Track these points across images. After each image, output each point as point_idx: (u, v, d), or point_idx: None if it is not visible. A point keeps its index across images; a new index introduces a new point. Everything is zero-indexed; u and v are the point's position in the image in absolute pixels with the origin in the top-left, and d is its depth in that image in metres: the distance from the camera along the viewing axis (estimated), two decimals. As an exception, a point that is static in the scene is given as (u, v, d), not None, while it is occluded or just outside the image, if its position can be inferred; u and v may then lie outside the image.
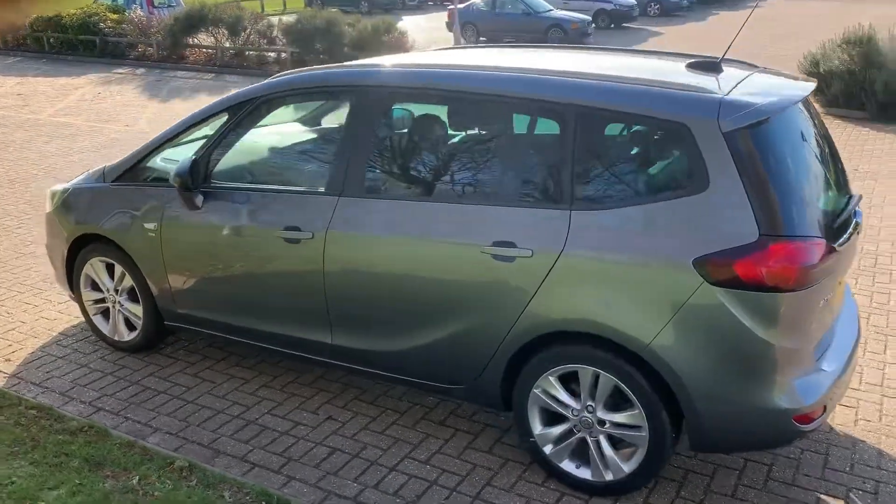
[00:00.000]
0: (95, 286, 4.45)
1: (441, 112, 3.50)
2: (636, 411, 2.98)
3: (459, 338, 3.25)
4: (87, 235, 4.31)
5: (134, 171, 4.15)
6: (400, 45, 16.00)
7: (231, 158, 3.88)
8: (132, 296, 4.30)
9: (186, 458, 3.33)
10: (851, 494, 3.20)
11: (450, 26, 22.45)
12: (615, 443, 3.13)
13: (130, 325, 4.39)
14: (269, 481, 3.29)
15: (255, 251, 3.70)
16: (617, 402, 3.05)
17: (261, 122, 3.89)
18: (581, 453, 3.21)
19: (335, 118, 4.05)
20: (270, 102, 3.78)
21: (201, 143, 4.04)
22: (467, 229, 3.15)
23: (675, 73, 3.23)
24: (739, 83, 3.06)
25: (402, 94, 3.47)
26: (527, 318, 3.06)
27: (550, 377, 3.13)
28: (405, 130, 3.62)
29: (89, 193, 4.32)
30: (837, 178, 3.24)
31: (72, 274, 4.49)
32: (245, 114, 3.76)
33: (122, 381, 4.15)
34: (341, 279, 3.46)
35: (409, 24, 18.85)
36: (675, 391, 2.88)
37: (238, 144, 3.87)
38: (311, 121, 4.30)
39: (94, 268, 4.36)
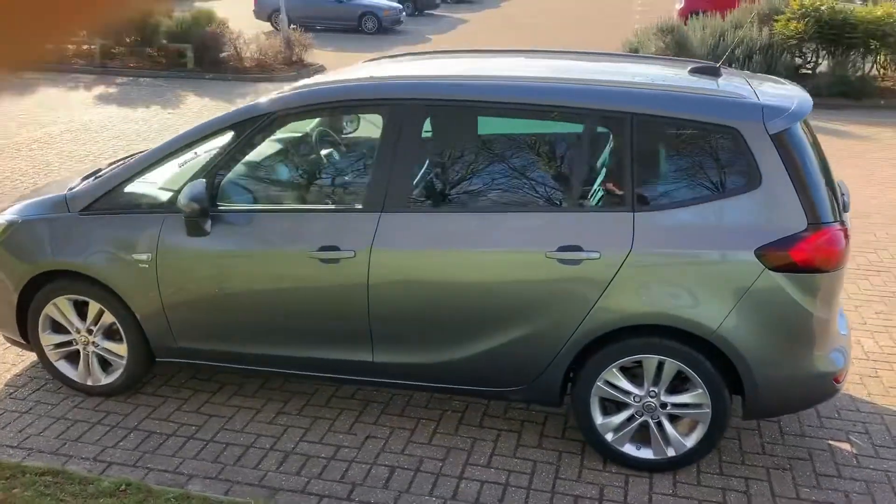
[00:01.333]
0: (57, 328, 3.96)
1: (491, 123, 3.52)
2: (699, 391, 3.27)
3: (523, 341, 3.34)
4: (45, 273, 3.83)
5: (111, 198, 3.73)
6: (222, 35, 15.21)
7: (243, 179, 3.63)
8: (109, 334, 3.89)
9: (262, 500, 3.14)
10: (852, 437, 3.74)
11: (257, 14, 21.69)
12: (672, 420, 3.40)
13: (106, 367, 3.98)
14: (348, 510, 3.21)
15: (283, 275, 3.51)
16: (677, 384, 3.33)
17: (274, 140, 3.68)
18: (640, 435, 3.45)
19: (363, 132, 3.92)
20: (286, 118, 3.58)
21: (178, 164, 3.76)
22: (530, 237, 3.25)
23: (699, 78, 3.52)
24: (755, 87, 3.42)
25: (450, 106, 3.43)
26: (595, 315, 3.23)
27: (614, 368, 3.33)
28: (452, 142, 3.60)
29: (49, 225, 3.82)
30: (829, 168, 3.72)
31: (23, 317, 3.96)
32: (256, 131, 3.54)
33: (117, 429, 3.76)
34: (389, 295, 3.40)
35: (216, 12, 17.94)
36: (739, 368, 3.20)
37: (250, 163, 3.63)
38: (332, 136, 4.11)
39: (60, 307, 3.88)
